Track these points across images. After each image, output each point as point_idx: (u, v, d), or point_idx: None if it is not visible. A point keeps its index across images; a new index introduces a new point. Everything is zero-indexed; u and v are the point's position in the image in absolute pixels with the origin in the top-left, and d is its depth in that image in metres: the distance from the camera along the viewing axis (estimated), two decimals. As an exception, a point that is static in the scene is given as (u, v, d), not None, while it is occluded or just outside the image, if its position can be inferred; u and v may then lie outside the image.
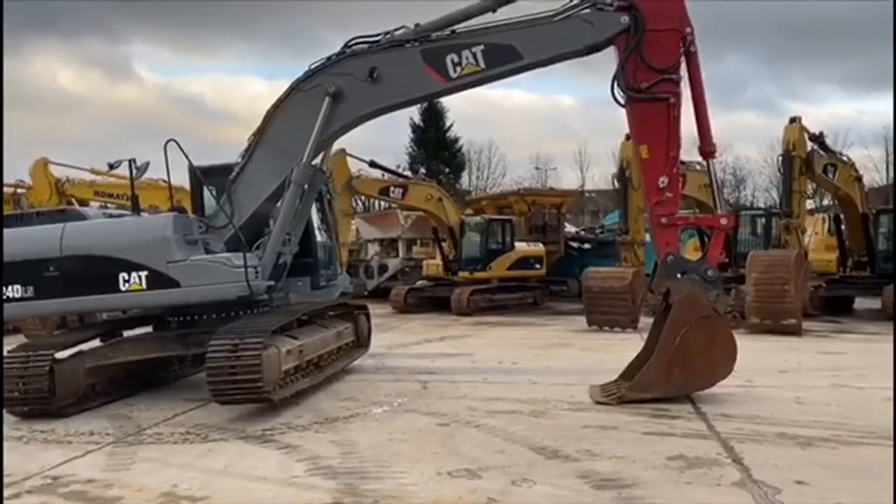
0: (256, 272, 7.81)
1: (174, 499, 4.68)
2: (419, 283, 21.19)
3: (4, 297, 7.65)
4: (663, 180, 7.29)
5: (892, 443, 5.45)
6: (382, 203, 25.29)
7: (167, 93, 73.84)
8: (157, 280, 7.52)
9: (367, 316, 10.35)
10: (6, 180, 18.27)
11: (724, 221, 7.51)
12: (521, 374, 9.20)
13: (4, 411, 7.14)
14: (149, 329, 8.68)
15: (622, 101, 7.45)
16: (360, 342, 10.08)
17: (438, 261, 20.96)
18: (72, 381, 7.32)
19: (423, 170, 43.09)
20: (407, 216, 24.52)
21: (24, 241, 7.71)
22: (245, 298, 7.65)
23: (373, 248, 26.05)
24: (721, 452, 5.45)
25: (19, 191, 18.04)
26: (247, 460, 5.57)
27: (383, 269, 24.79)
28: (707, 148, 7.64)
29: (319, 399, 7.82)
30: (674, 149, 7.28)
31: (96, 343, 8.08)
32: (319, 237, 9.52)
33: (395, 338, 13.72)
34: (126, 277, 7.55)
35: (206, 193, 9.02)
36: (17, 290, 7.67)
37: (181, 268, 7.51)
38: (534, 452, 5.56)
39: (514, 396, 7.72)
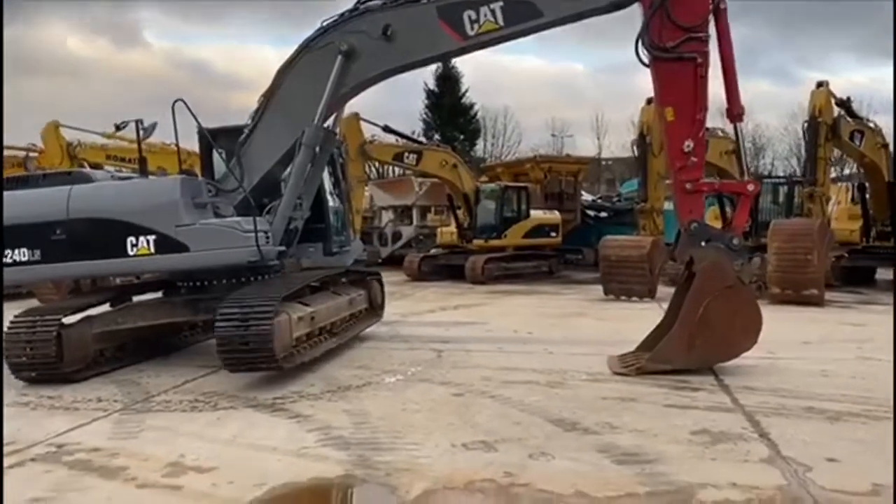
0: (267, 237, 7.62)
1: (181, 469, 4.54)
2: (433, 251, 21.01)
3: (11, 260, 7.51)
4: (688, 144, 6.98)
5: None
6: (397, 170, 25.04)
7: (174, 58, 73.43)
8: (166, 244, 7.33)
9: (381, 283, 10.17)
10: (18, 143, 18.19)
11: (751, 187, 7.21)
12: (537, 344, 9.01)
13: (13, 376, 7.05)
14: (159, 294, 8.53)
15: (646, 61, 7.12)
16: (374, 309, 9.92)
17: (453, 228, 20.73)
18: (80, 346, 7.20)
19: (437, 136, 42.63)
20: (421, 183, 24.26)
21: (30, 203, 7.54)
22: (255, 264, 7.47)
23: (387, 216, 25.82)
24: (746, 427, 5.24)
25: (31, 154, 17.92)
26: (256, 430, 5.42)
27: (397, 236, 24.62)
28: (735, 110, 7.30)
29: (332, 367, 7.67)
30: (700, 111, 6.95)
31: (106, 308, 7.94)
32: (332, 202, 9.30)
33: (408, 306, 13.57)
34: (134, 241, 7.38)
35: (216, 157, 8.80)
36: (24, 253, 7.52)
37: (190, 232, 7.32)
38: (551, 424, 5.38)
39: (529, 366, 7.53)
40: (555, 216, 20.95)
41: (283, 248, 8.03)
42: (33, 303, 11.29)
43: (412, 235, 24.42)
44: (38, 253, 7.53)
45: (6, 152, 17.24)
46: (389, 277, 20.38)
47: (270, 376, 6.90)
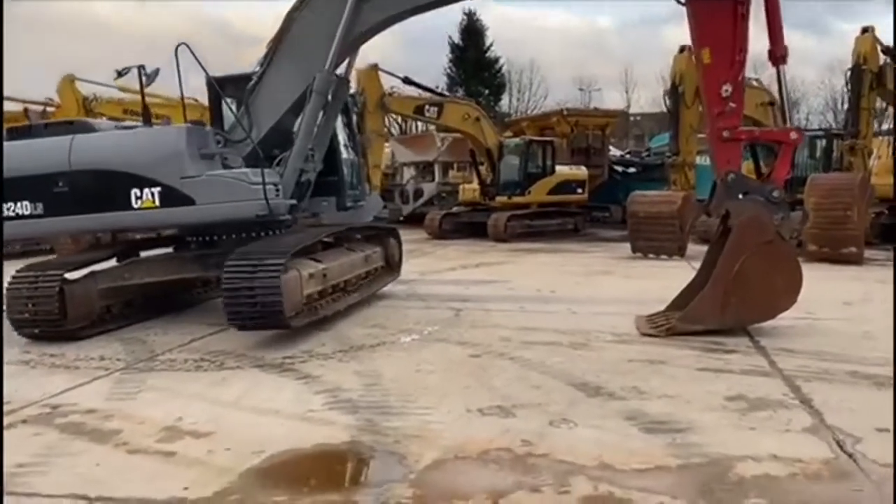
0: (277, 190, 7.28)
1: (176, 433, 4.26)
2: (455, 209, 20.57)
3: (13, 213, 7.25)
4: (727, 88, 6.44)
5: None
6: (419, 126, 24.51)
7: (196, 16, 72.55)
8: (171, 197, 7.02)
9: (398, 240, 9.81)
10: (34, 97, 17.98)
11: (793, 136, 6.66)
12: (560, 303, 8.62)
13: (16, 333, 6.85)
14: (169, 250, 8.26)
15: (682, 0, 6.55)
16: (391, 267, 9.58)
17: (475, 185, 20.24)
18: (84, 302, 6.97)
19: (461, 91, 41.80)
20: (444, 138, 23.73)
21: (32, 154, 7.25)
22: (264, 218, 7.13)
23: (408, 172, 25.39)
24: (787, 393, 4.84)
25: (48, 108, 17.69)
26: (261, 391, 5.14)
27: (419, 193, 24.20)
28: (778, 52, 6.72)
29: (345, 326, 7.37)
30: (740, 52, 6.39)
31: (112, 263, 7.68)
32: (346, 154, 8.91)
33: (428, 264, 13.23)
34: (138, 194, 7.07)
35: (225, 107, 8.41)
36: (26, 206, 7.26)
37: (195, 184, 7.00)
38: (574, 389, 5.02)
39: (552, 326, 7.16)
40: (581, 172, 20.35)
41: (293, 201, 7.68)
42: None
43: (434, 192, 23.98)
44: (40, 206, 7.26)
45: (20, 105, 17.07)
46: (410, 235, 20.13)
47: (280, 335, 6.63)
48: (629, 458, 3.74)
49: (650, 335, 6.62)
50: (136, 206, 7.09)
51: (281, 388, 5.24)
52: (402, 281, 10.08)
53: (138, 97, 16.80)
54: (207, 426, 4.36)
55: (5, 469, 3.64)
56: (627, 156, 27.52)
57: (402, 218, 23.37)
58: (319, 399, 4.91)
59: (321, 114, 7.74)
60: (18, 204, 7.26)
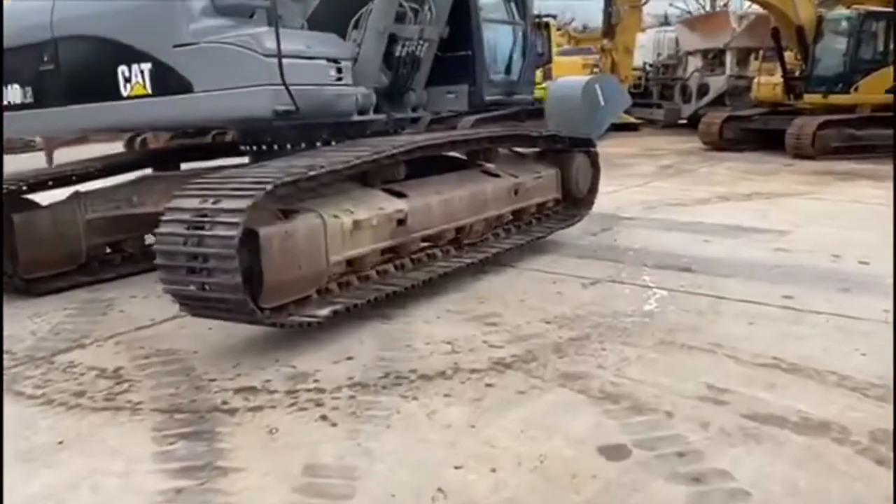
0: (339, 70, 4.19)
1: None
2: (746, 111, 15.47)
3: (6, 102, 5.13)
4: None
5: None
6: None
7: None
8: (162, 78, 4.31)
9: (593, 158, 6.09)
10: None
11: None
12: (874, 295, 4.42)
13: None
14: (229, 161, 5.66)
15: None
16: (573, 200, 5.99)
17: (776, 78, 14.90)
18: (58, 240, 4.66)
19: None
20: (742, 17, 18.20)
21: (15, 17, 4.98)
22: (290, 117, 4.08)
23: (693, 63, 20.21)
24: None
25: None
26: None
27: (703, 90, 19.14)
28: None
29: (419, 314, 4.18)
30: None
31: (118, 180, 5.27)
32: (490, 13, 5.37)
33: (671, 189, 9.20)
34: (126, 74, 4.46)
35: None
36: (17, 92, 5.07)
37: (191, 56, 4.16)
38: None
39: (848, 367, 3.27)
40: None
41: (372, 88, 4.51)
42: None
43: (723, 88, 18.70)
44: (29, 92, 5.02)
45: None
46: (681, 144, 15.72)
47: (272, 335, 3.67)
48: None
49: None
50: (124, 92, 4.50)
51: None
52: (611, 216, 6.63)
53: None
54: None
55: None
56: None
57: (683, 121, 18.81)
58: None
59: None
60: (9, 88, 5.10)
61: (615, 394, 3.13)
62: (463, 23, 5.07)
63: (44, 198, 4.99)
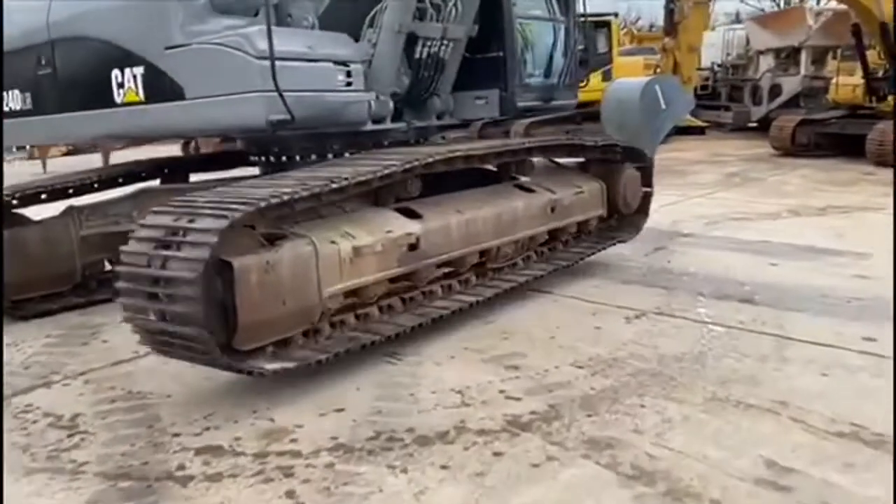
0: (349, 73, 3.73)
1: None
2: (822, 115, 14.38)
3: (7, 108, 4.83)
4: None
5: None
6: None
7: None
8: (154, 84, 3.90)
9: (646, 171, 5.42)
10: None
11: None
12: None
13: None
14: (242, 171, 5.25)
15: None
16: (620, 218, 5.35)
17: (856, 79, 13.79)
18: (48, 258, 4.31)
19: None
20: (819, 14, 17.03)
21: (12, 18, 4.67)
22: (285, 126, 3.60)
23: (765, 62, 19.04)
24: None
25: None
26: None
27: (776, 91, 18.01)
28: None
29: (431, 353, 3.65)
30: None
31: (118, 193, 4.88)
32: (527, 8, 4.80)
33: (739, 199, 8.42)
34: (119, 79, 4.08)
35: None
36: (16, 98, 4.76)
37: (182, 59, 3.74)
38: None
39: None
40: None
41: (389, 94, 4.01)
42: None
43: (797, 89, 17.54)
44: (28, 98, 4.71)
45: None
46: (750, 149, 14.75)
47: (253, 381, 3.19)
48: None
49: None
50: (118, 99, 4.12)
51: None
52: (667, 232, 6.03)
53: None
54: None
55: None
56: None
57: (753, 124, 17.77)
58: None
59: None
60: (10, 94, 4.81)
61: (651, 471, 2.54)
62: (494, 20, 4.51)
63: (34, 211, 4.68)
